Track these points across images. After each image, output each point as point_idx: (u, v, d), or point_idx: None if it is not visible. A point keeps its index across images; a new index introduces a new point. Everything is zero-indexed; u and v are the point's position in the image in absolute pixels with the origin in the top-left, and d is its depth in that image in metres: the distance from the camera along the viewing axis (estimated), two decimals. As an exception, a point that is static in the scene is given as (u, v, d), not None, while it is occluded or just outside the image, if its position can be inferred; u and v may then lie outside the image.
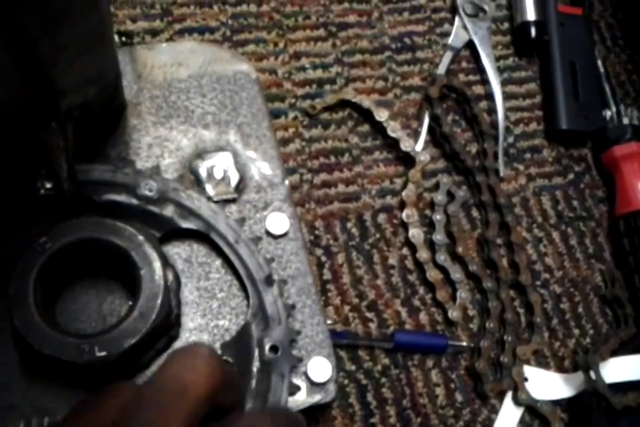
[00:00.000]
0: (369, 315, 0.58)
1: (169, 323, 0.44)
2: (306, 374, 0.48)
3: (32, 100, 0.41)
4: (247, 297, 0.50)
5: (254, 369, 0.46)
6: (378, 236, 0.62)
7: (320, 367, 0.48)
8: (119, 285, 0.49)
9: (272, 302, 0.48)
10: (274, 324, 0.48)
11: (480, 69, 0.73)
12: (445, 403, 0.56)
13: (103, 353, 0.40)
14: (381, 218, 0.63)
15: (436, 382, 0.57)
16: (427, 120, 0.68)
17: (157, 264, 0.43)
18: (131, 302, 0.47)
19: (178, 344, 0.47)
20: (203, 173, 0.54)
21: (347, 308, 0.58)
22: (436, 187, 0.65)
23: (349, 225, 0.62)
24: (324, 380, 0.48)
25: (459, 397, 0.57)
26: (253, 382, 0.45)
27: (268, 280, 0.49)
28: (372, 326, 0.58)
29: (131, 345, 0.41)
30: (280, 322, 0.48)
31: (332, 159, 0.64)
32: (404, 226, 0.62)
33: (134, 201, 0.49)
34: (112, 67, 0.48)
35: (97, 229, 0.44)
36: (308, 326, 0.50)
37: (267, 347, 0.47)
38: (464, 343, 0.58)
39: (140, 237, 0.44)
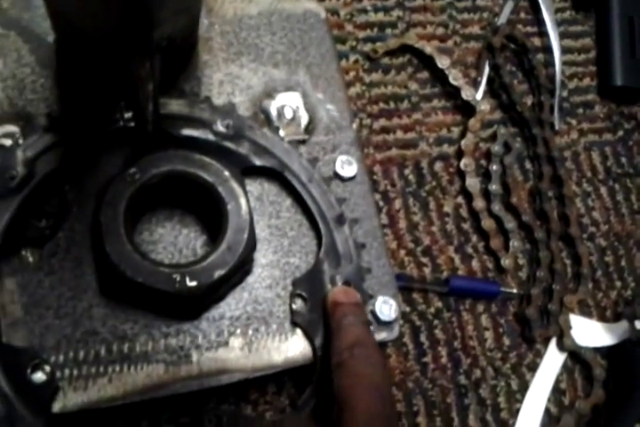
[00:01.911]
0: (423, 260, 0.59)
1: (251, 257, 0.45)
2: (373, 312, 0.49)
3: (128, 29, 0.41)
4: (317, 237, 0.51)
5: (327, 305, 0.47)
6: (434, 183, 0.62)
7: (387, 307, 0.50)
8: (194, 219, 0.49)
9: (343, 240, 0.49)
10: (345, 262, 0.49)
11: (539, 21, 0.72)
12: (494, 346, 0.58)
13: (194, 283, 0.41)
14: (438, 166, 0.63)
15: (485, 326, 0.59)
16: (487, 70, 0.67)
17: (243, 199, 0.44)
18: (205, 236, 0.49)
19: (251, 279, 0.48)
20: (273, 112, 0.54)
21: (402, 252, 0.59)
22: (493, 138, 0.65)
23: (407, 172, 0.62)
24: (390, 319, 0.49)
25: (506, 341, 0.59)
26: (326, 317, 0.47)
27: (340, 219, 0.50)
28: (427, 270, 0.59)
29: (220, 276, 0.42)
30: (351, 260, 0.49)
31: (392, 105, 0.64)
32: (460, 175, 0.63)
33: (211, 137, 0.49)
34: (199, -3, 0.47)
35: (185, 162, 0.44)
36: (375, 267, 0.51)
37: (339, 283, 0.48)
38: (515, 291, 0.59)
39: (227, 173, 0.45)
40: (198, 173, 0.44)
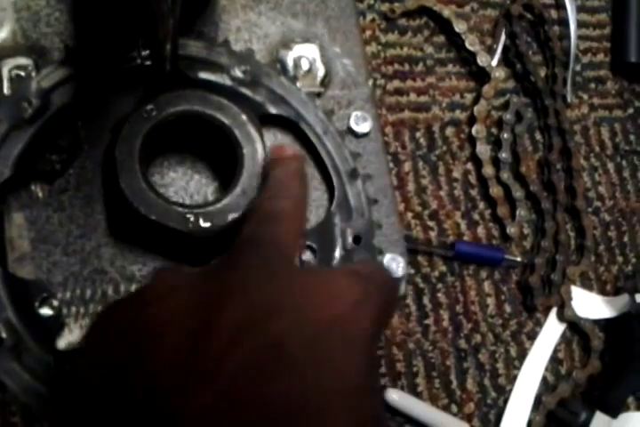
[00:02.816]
0: (430, 223, 0.59)
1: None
2: (381, 265, 0.49)
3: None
4: (328, 190, 0.50)
5: (337, 256, 0.47)
6: (444, 148, 0.62)
7: (394, 264, 0.49)
8: (206, 165, 0.48)
9: (356, 194, 0.49)
10: (357, 215, 0.48)
11: (556, -7, 0.72)
12: (495, 313, 0.58)
13: (207, 224, 0.40)
14: (449, 131, 0.63)
15: (487, 292, 0.59)
16: (503, 37, 0.66)
17: (259, 144, 0.43)
18: (217, 184, 0.48)
19: (260, 228, 0.47)
20: (289, 62, 0.53)
21: (409, 215, 0.59)
22: (505, 106, 0.65)
23: (418, 135, 0.62)
24: (397, 276, 0.49)
25: (507, 308, 0.59)
26: (335, 266, 0.46)
27: (354, 173, 0.49)
28: (432, 234, 0.59)
29: (234, 219, 0.41)
30: (363, 214, 0.48)
31: (406, 67, 0.64)
32: (471, 141, 0.63)
33: (228, 82, 0.48)
34: None
35: (203, 102, 0.43)
36: (385, 224, 0.50)
37: (350, 237, 0.47)
38: (519, 259, 0.59)
39: (244, 116, 0.44)
40: (215, 115, 0.43)
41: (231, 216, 0.41)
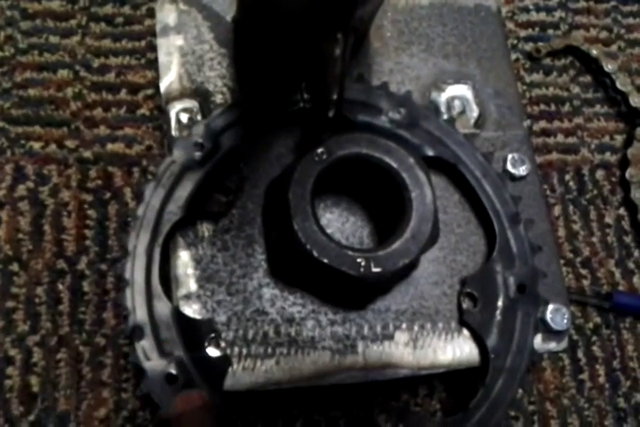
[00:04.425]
0: (583, 271, 0.56)
1: (429, 248, 0.43)
2: (543, 320, 0.46)
3: (333, 4, 0.40)
4: (486, 235, 0.48)
5: (500, 305, 0.45)
6: (595, 192, 0.59)
7: (559, 315, 0.47)
8: (360, 208, 0.48)
9: (519, 240, 0.47)
10: (520, 263, 0.46)
11: None
12: (655, 370, 0.54)
13: (378, 269, 0.39)
14: (599, 174, 0.60)
15: (646, 346, 0.54)
16: (656, 77, 0.63)
17: (428, 188, 0.42)
18: (372, 226, 0.47)
19: (417, 274, 0.46)
20: (442, 104, 0.52)
21: (560, 262, 0.56)
22: (660, 148, 0.61)
23: (567, 178, 0.59)
24: (562, 328, 0.46)
25: (669, 365, 0.54)
26: (499, 317, 0.44)
27: (515, 218, 0.47)
28: (586, 283, 0.55)
29: (405, 264, 0.40)
30: (526, 261, 0.46)
31: (552, 107, 0.61)
32: (623, 185, 0.59)
33: (386, 124, 0.48)
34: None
35: (371, 145, 0.43)
36: (548, 273, 0.48)
37: (513, 285, 0.45)
38: (681, 313, 0.55)
39: (411, 160, 0.43)
40: (383, 158, 0.42)
41: (402, 262, 0.40)
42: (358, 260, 0.39)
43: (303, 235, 0.39)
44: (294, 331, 0.43)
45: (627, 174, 0.59)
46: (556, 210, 0.57)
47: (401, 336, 0.44)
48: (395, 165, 0.42)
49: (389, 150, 0.43)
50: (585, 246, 0.57)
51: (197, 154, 0.44)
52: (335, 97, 0.44)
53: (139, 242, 0.41)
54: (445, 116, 0.52)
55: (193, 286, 0.42)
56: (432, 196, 0.42)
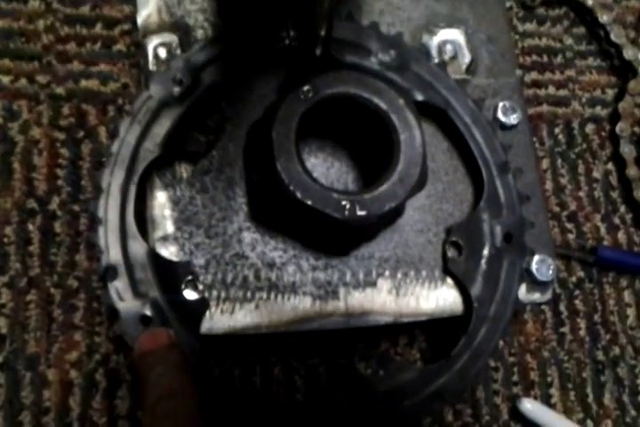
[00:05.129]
0: (568, 225, 0.55)
1: (416, 193, 0.41)
2: (528, 271, 0.46)
3: None
4: (473, 184, 0.47)
5: (485, 254, 0.44)
6: (584, 146, 0.58)
7: (544, 266, 0.46)
8: (345, 153, 0.46)
9: (507, 189, 0.46)
10: (507, 212, 0.45)
11: None
12: (635, 324, 0.54)
13: (363, 212, 0.38)
14: (589, 128, 0.58)
15: (627, 302, 0.54)
16: (651, 29, 0.62)
17: (418, 131, 0.41)
18: (357, 172, 0.46)
19: (402, 221, 0.45)
20: (433, 48, 0.50)
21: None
22: (652, 103, 0.60)
23: (557, 131, 0.58)
24: (547, 279, 0.46)
25: (649, 320, 0.54)
26: (484, 266, 0.43)
27: (504, 167, 0.46)
28: (571, 237, 0.55)
29: (391, 208, 0.38)
30: (514, 211, 0.45)
31: (545, 58, 0.60)
32: (613, 140, 0.58)
33: (376, 66, 0.46)
34: None
35: (359, 85, 0.41)
36: (534, 223, 0.47)
37: (499, 234, 0.44)
38: (664, 268, 0.55)
39: (401, 101, 0.41)
40: (372, 99, 0.40)
41: (388, 205, 0.39)
42: (343, 202, 0.38)
43: (286, 176, 0.38)
44: (275, 276, 0.42)
45: (617, 129, 0.58)
46: (545, 163, 0.56)
47: (384, 283, 0.43)
48: (384, 106, 0.41)
49: (378, 91, 0.41)
50: (572, 200, 0.56)
51: (176, 90, 0.41)
52: (323, 35, 0.42)
53: (113, 179, 0.39)
54: (436, 61, 0.50)
55: (170, 227, 0.41)
56: (421, 139, 0.40)
